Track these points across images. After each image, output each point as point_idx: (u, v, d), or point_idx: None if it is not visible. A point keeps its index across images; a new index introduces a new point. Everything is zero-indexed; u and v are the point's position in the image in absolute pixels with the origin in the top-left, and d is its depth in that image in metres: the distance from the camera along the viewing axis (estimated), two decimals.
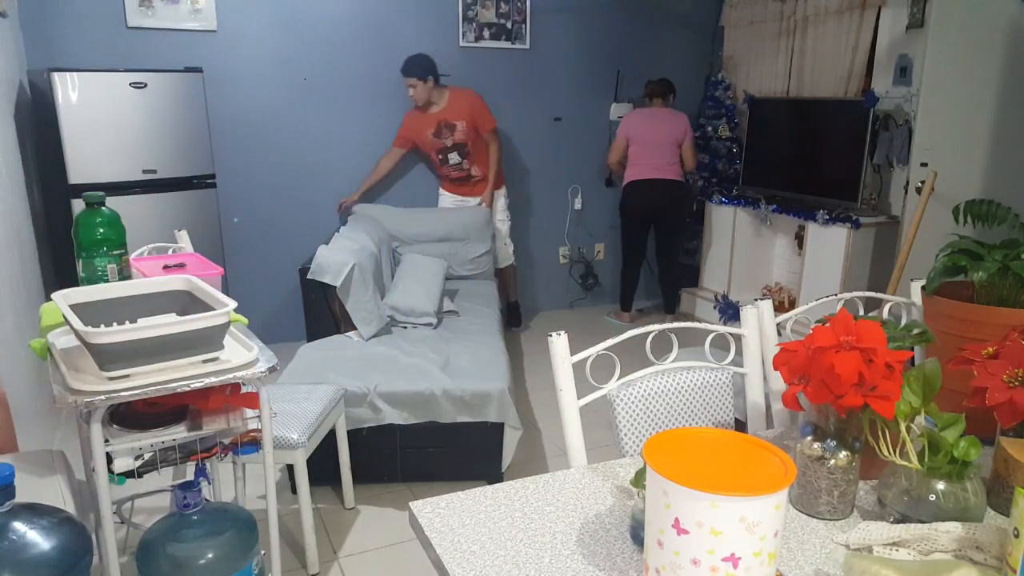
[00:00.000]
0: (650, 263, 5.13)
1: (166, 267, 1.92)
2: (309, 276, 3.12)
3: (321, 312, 3.25)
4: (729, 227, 4.90)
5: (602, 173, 5.19)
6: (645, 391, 1.54)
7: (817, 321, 1.23)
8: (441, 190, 4.64)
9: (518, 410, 2.81)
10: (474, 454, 2.85)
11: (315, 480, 2.47)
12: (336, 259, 3.13)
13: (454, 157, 4.44)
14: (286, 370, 2.88)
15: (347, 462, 2.70)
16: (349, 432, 2.70)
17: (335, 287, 3.10)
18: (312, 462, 2.33)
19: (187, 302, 1.64)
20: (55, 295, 1.53)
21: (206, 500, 1.50)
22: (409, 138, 4.44)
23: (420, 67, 4.17)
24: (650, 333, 1.57)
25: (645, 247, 4.89)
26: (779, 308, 4.39)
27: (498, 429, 2.80)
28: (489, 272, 4.52)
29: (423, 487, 2.88)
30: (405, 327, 3.42)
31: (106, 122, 3.48)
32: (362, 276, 3.18)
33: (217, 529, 1.48)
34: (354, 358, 2.98)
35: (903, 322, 1.78)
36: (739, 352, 1.61)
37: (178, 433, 1.54)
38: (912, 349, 1.55)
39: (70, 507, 1.55)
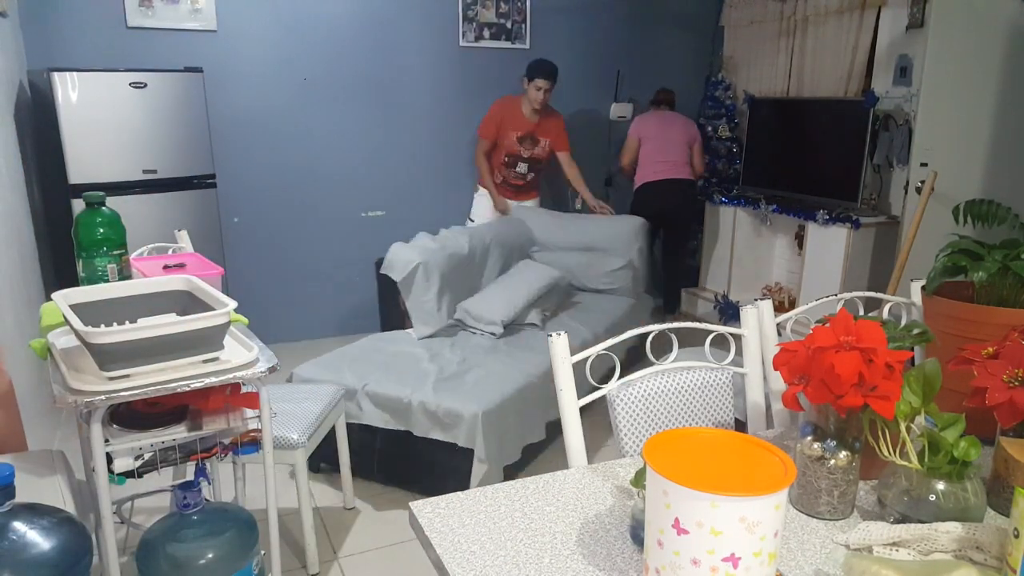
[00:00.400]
0: (657, 264, 5.12)
1: (166, 267, 1.92)
2: (381, 271, 3.25)
3: (394, 305, 3.37)
4: (729, 227, 4.90)
5: (602, 173, 5.18)
6: (645, 391, 1.54)
7: (817, 321, 1.22)
8: (478, 185, 4.51)
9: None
10: (443, 474, 2.70)
11: (315, 480, 2.47)
12: (404, 256, 3.21)
13: (522, 167, 4.41)
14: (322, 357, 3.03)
15: (347, 462, 2.69)
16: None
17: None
18: (312, 462, 2.33)
19: (187, 302, 1.64)
20: (55, 295, 1.53)
21: (206, 500, 1.50)
22: (494, 129, 4.30)
23: (557, 71, 4.14)
24: (650, 333, 1.57)
25: (653, 250, 4.88)
26: (779, 308, 4.39)
27: (468, 455, 2.61)
28: (626, 288, 4.15)
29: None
30: (474, 332, 3.37)
31: (106, 122, 3.48)
32: (426, 275, 3.22)
33: (217, 529, 1.48)
34: (383, 353, 3.05)
35: (903, 322, 1.78)
36: (739, 352, 1.61)
37: (178, 433, 1.54)
38: (912, 349, 1.55)
39: (70, 507, 1.55)
